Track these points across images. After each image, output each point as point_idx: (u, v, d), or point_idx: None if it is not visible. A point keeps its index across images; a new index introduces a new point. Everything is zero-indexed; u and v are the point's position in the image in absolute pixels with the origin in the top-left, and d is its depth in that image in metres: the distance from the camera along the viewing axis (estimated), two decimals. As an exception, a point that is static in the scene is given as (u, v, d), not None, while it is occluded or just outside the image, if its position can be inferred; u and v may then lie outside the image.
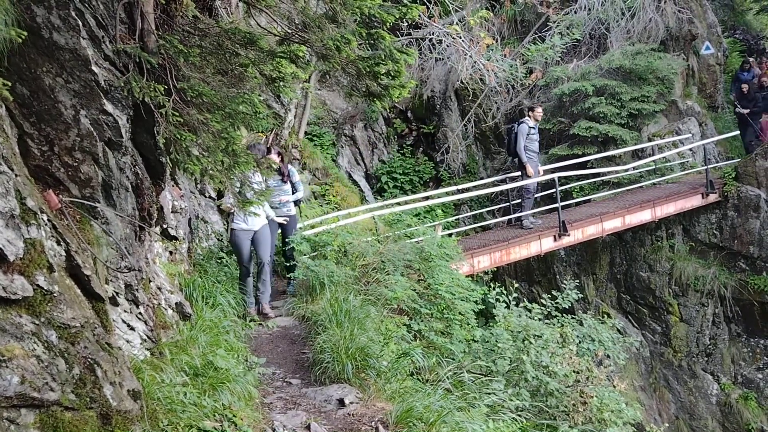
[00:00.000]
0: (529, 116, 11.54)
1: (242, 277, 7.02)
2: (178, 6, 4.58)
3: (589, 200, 13.33)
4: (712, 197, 12.70)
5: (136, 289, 4.21)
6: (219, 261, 7.02)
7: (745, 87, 14.02)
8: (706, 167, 12.77)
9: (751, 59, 15.76)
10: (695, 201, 12.66)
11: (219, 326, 5.26)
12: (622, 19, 14.72)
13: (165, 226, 5.77)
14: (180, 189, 6.42)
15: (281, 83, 4.63)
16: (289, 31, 4.35)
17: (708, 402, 12.49)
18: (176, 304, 5.19)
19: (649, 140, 13.80)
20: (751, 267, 12.56)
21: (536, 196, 13.36)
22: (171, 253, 6.08)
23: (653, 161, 13.47)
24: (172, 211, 5.89)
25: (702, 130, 14.43)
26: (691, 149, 13.93)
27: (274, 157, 7.67)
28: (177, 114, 3.51)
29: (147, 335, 4.45)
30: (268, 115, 10.22)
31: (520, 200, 12.10)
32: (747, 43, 20.64)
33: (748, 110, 13.97)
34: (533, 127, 11.49)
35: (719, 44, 15.61)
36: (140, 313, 4.40)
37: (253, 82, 4.83)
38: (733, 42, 19.26)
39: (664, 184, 13.41)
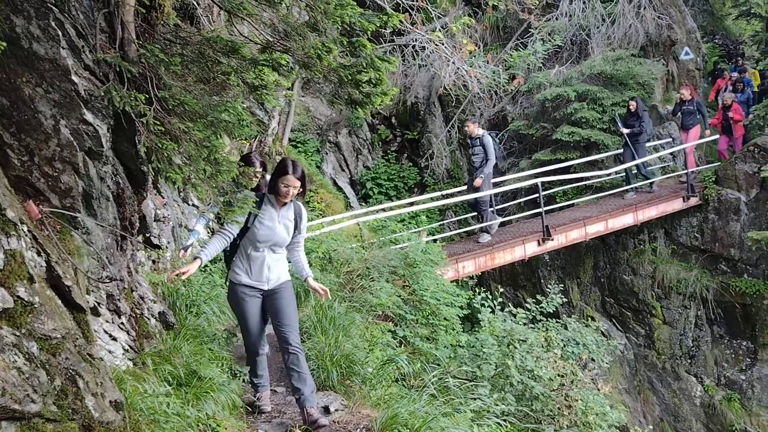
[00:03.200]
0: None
1: (248, 352, 4.76)
2: (159, 15, 4.58)
3: (572, 205, 13.44)
4: (693, 201, 12.87)
5: (118, 299, 4.19)
6: (203, 269, 6.98)
7: (632, 104, 12.82)
8: (686, 171, 12.93)
9: (740, 82, 15.14)
10: (676, 204, 12.81)
11: (203, 335, 5.24)
12: (602, 25, 14.90)
13: (148, 234, 5.74)
14: (163, 197, 6.39)
15: (264, 91, 4.63)
16: (271, 39, 4.35)
17: (692, 404, 12.61)
18: (159, 313, 5.16)
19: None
20: (732, 269, 12.72)
21: (520, 201, 13.47)
22: (154, 262, 6.05)
23: (635, 165, 13.59)
24: (154, 220, 5.86)
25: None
26: (671, 153, 14.09)
27: (258, 167, 7.49)
28: (158, 123, 3.51)
29: (129, 345, 4.42)
30: (252, 122, 10.21)
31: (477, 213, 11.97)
32: (726, 48, 20.96)
33: (630, 129, 12.78)
34: (472, 139, 11.41)
35: (698, 49, 15.84)
36: (122, 323, 4.37)
37: (236, 90, 4.83)
38: (712, 47, 19.58)
39: (646, 188, 13.55)
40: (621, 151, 13.75)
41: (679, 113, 13.53)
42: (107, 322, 4.20)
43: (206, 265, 7.17)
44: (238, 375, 4.87)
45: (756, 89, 15.57)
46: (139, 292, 5.03)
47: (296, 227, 4.65)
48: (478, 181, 11.24)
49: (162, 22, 4.63)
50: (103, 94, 3.53)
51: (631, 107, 12.86)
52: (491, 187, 11.58)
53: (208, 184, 3.63)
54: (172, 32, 4.59)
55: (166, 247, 6.11)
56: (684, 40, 15.34)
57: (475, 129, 11.33)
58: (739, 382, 12.38)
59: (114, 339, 4.26)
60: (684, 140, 13.63)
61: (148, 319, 5.01)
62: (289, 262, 4.88)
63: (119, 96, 3.48)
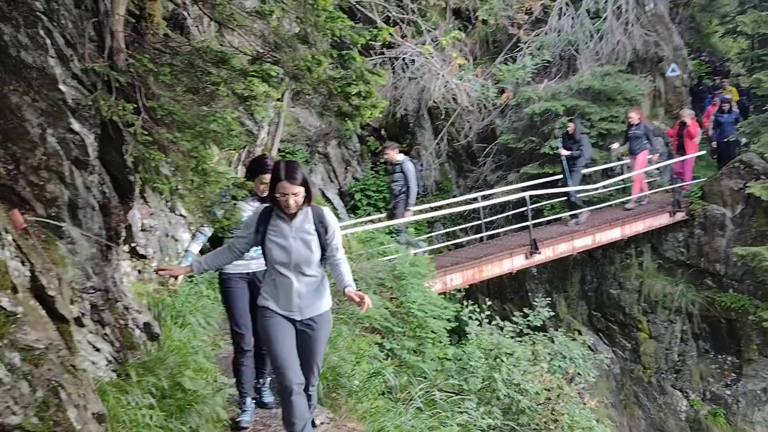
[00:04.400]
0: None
1: (281, 388, 3.95)
2: (148, 24, 4.58)
3: (559, 218, 13.49)
4: (679, 216, 12.96)
5: (103, 310, 4.15)
6: (189, 279, 6.93)
7: (570, 126, 12.37)
8: (673, 186, 13.03)
9: (727, 103, 14.68)
10: (663, 219, 12.90)
11: (188, 346, 5.19)
12: (591, 41, 15.04)
13: (134, 244, 5.71)
14: (150, 207, 6.35)
15: (253, 102, 4.64)
16: (261, 50, 4.36)
17: (677, 418, 12.64)
18: (144, 324, 5.11)
19: (618, 159, 14.03)
20: (718, 284, 12.80)
21: (508, 214, 13.51)
22: (140, 272, 6.00)
23: (622, 180, 13.69)
24: (141, 230, 5.83)
25: (669, 150, 14.73)
26: (658, 169, 14.20)
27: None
28: (146, 133, 3.50)
29: (113, 356, 4.37)
30: (241, 132, 10.18)
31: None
32: (712, 65, 21.23)
33: (569, 152, 12.35)
34: (392, 165, 11.02)
35: (685, 66, 16.03)
36: (106, 333, 4.33)
37: (225, 101, 4.83)
38: (698, 64, 19.80)
39: (648, 197, 13.62)
40: (611, 165, 13.89)
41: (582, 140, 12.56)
42: (91, 332, 4.16)
43: (192, 276, 7.13)
44: (222, 388, 4.82)
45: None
46: (124, 302, 4.99)
47: (321, 239, 3.80)
48: (407, 213, 10.78)
49: (152, 32, 4.64)
50: (90, 103, 3.52)
51: (569, 130, 12.40)
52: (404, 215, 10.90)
53: (195, 194, 3.62)
54: (162, 42, 4.59)
55: (153, 257, 6.07)
56: (671, 57, 15.52)
57: (395, 155, 10.94)
58: (725, 397, 12.43)
59: (97, 350, 4.22)
60: (632, 165, 13.19)
61: (133, 329, 4.96)
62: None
63: (107, 105, 3.47)
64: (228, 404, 4.80)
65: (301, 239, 3.76)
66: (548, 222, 13.21)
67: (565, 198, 12.83)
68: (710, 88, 16.28)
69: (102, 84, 3.76)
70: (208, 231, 4.80)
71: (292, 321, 3.87)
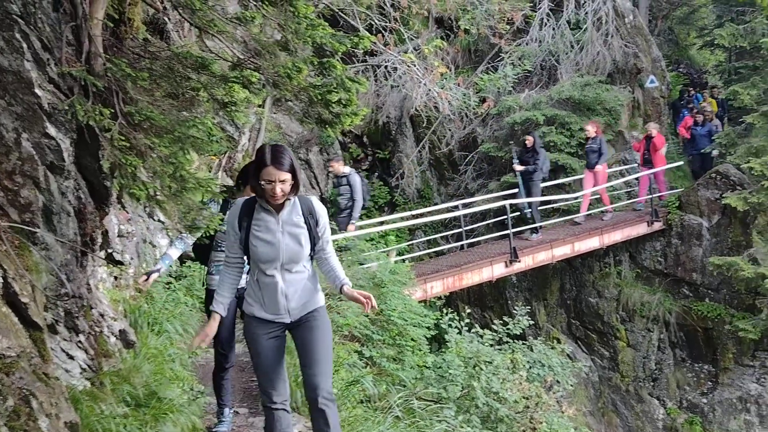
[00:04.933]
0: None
1: (264, 407, 3.55)
2: (128, 29, 4.54)
3: (540, 227, 13.56)
4: (657, 225, 13.11)
5: (77, 317, 4.08)
6: (167, 286, 6.86)
7: (529, 139, 12.23)
8: (651, 196, 13.18)
9: (701, 115, 14.76)
10: (641, 229, 13.03)
11: (164, 354, 5.13)
12: (571, 51, 15.20)
13: (110, 250, 5.63)
14: (127, 213, 6.28)
15: (233, 108, 4.61)
16: (242, 57, 4.34)
17: (654, 426, 12.73)
18: (120, 331, 5.05)
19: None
20: (695, 293, 12.96)
21: (488, 222, 13.56)
22: (116, 278, 5.93)
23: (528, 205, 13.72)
24: (118, 236, 5.76)
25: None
26: (636, 178, 14.36)
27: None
28: (123, 138, 3.46)
29: (87, 364, 4.31)
30: (222, 138, 10.13)
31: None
32: (690, 77, 21.53)
33: (524, 168, 12.26)
34: (338, 178, 10.86)
35: (663, 78, 16.23)
36: (80, 341, 4.27)
37: (205, 106, 4.80)
38: (676, 76, 20.08)
39: (612, 212, 13.76)
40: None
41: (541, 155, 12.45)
42: (65, 340, 4.10)
43: (170, 282, 7.07)
44: (199, 397, 4.77)
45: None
46: (99, 309, 4.92)
47: (311, 232, 3.45)
48: (351, 227, 10.52)
49: (131, 37, 4.60)
50: (67, 107, 3.48)
51: (527, 142, 12.28)
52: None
53: (173, 201, 3.58)
54: (141, 46, 4.55)
55: (130, 264, 6.00)
56: (649, 69, 15.72)
57: (341, 167, 10.85)
58: (701, 406, 12.56)
59: (71, 358, 4.16)
60: (585, 180, 12.94)
61: (108, 337, 4.90)
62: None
63: (83, 110, 3.43)
64: (204, 413, 4.75)
65: (289, 233, 3.39)
66: (529, 231, 13.26)
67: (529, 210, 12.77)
68: (688, 102, 16.48)
69: (79, 88, 3.72)
70: (191, 239, 4.61)
71: (283, 326, 3.49)
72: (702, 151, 14.26)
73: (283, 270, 3.41)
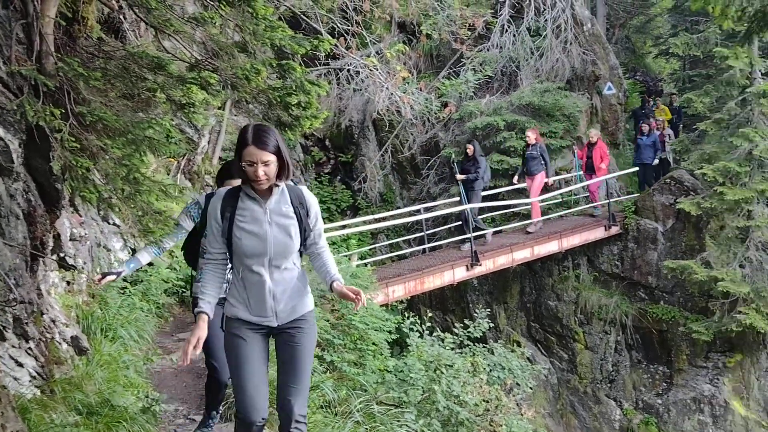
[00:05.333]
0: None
1: (238, 419, 3.20)
2: (81, 28, 4.43)
3: (500, 231, 13.71)
4: (614, 230, 13.36)
5: (26, 323, 3.96)
6: (121, 291, 6.70)
7: (470, 148, 11.99)
8: (608, 201, 13.43)
9: (646, 125, 14.85)
10: (598, 233, 13.26)
11: (118, 361, 5.01)
12: (531, 58, 15.42)
13: (62, 254, 5.48)
14: (80, 216, 6.12)
15: (191, 109, 4.53)
16: (200, 57, 4.28)
17: (611, 427, 12.96)
18: (72, 337, 4.92)
19: (557, 174, 14.38)
20: (650, 296, 13.25)
21: (450, 226, 13.64)
22: (68, 283, 5.77)
23: (560, 194, 14.02)
24: (70, 239, 5.60)
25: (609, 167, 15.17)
26: (583, 186, 14.62)
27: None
28: (74, 139, 3.36)
29: (37, 372, 4.18)
30: (181, 140, 9.98)
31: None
32: (646, 84, 22.06)
33: (465, 176, 11.95)
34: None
35: (620, 85, 16.59)
36: (30, 348, 4.14)
37: (163, 108, 4.71)
38: (633, 83, 20.56)
39: (570, 217, 13.98)
40: (553, 178, 14.16)
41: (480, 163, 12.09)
42: (13, 347, 3.97)
43: (125, 287, 6.91)
44: (153, 404, 4.66)
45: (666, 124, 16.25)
46: (51, 315, 4.79)
47: (302, 223, 3.16)
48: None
49: (84, 35, 4.48)
50: (15, 107, 3.37)
51: (468, 151, 12.05)
52: None
53: (126, 204, 3.49)
54: (95, 46, 4.45)
55: (83, 268, 5.84)
56: (607, 76, 16.04)
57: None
58: (656, 406, 12.82)
59: (20, 365, 4.03)
60: (528, 186, 12.76)
61: (60, 343, 4.77)
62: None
63: (33, 110, 3.33)
64: (159, 421, 4.64)
65: (277, 224, 3.09)
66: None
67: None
68: (648, 111, 16.82)
69: (29, 88, 3.61)
70: (169, 244, 4.30)
71: (268, 330, 3.18)
72: (645, 162, 14.43)
73: (271, 267, 3.10)
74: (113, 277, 4.39)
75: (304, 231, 3.19)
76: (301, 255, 3.25)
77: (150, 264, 7.79)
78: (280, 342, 3.21)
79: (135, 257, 4.37)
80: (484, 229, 12.34)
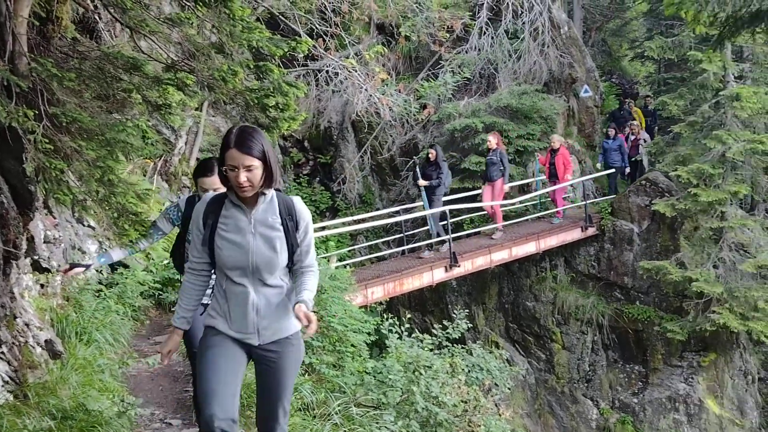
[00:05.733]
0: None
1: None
2: (55, 27, 4.37)
3: (478, 232, 13.78)
4: (591, 231, 13.50)
5: (-2, 327, 3.90)
6: (96, 294, 6.62)
7: (432, 153, 11.54)
8: (585, 202, 13.56)
9: (612, 129, 15.06)
10: (575, 234, 13.39)
11: (93, 365, 4.95)
12: (509, 60, 15.53)
13: (36, 257, 5.41)
14: (54, 218, 6.03)
15: (168, 110, 4.50)
16: (176, 58, 4.25)
17: (588, 426, 13.08)
18: (46, 341, 4.85)
19: (534, 176, 14.49)
20: (626, 297, 13.41)
21: (429, 227, 13.66)
22: (42, 286, 5.69)
23: (538, 196, 14.13)
24: (44, 242, 5.52)
25: (581, 168, 15.36)
26: (571, 185, 14.76)
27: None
28: (48, 141, 3.32)
29: (10, 376, 4.12)
30: (157, 141, 9.89)
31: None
32: (622, 87, 22.33)
33: (428, 182, 11.45)
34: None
35: (597, 88, 16.78)
36: (3, 352, 4.08)
37: (138, 109, 4.67)
38: (609, 86, 20.78)
39: (548, 218, 14.10)
40: (527, 181, 14.26)
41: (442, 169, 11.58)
42: (-15, 351, 3.91)
43: (100, 290, 6.83)
44: (129, 409, 4.61)
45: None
46: (24, 318, 4.72)
47: (289, 236, 2.92)
48: None
49: (59, 36, 4.42)
50: (-13, 108, 3.31)
51: (430, 156, 11.56)
52: None
53: (101, 206, 3.45)
54: (70, 46, 4.39)
55: (57, 270, 5.76)
56: (584, 79, 16.22)
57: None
58: (632, 405, 12.98)
59: (-8, 370, 3.97)
60: (484, 193, 12.39)
61: (33, 347, 4.70)
62: None
63: (6, 111, 3.27)
64: (135, 426, 4.59)
65: (261, 235, 2.88)
66: (468, 236, 13.45)
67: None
68: (629, 113, 17.02)
69: (1, 89, 3.55)
70: (144, 244, 4.15)
71: (248, 347, 2.91)
72: (613, 165, 14.48)
73: (254, 279, 2.88)
74: (81, 269, 4.31)
75: (292, 246, 2.93)
76: (290, 271, 3.01)
77: (126, 266, 7.72)
78: (262, 365, 2.95)
79: (107, 252, 4.24)
80: (443, 236, 11.84)
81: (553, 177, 13.21)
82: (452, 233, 11.78)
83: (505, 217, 13.94)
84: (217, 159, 2.94)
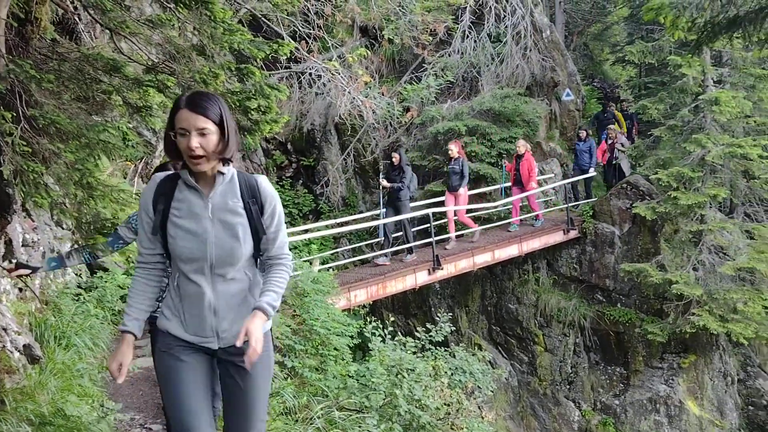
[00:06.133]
0: None
1: None
2: (34, 29, 4.32)
3: (461, 235, 13.81)
4: (573, 233, 13.59)
5: (-26, 332, 3.84)
6: (75, 298, 6.54)
7: (395, 157, 11.27)
8: (566, 205, 13.65)
9: (583, 131, 14.96)
10: (557, 237, 13.47)
11: (72, 369, 4.89)
12: (492, 64, 15.60)
13: (14, 260, 5.33)
14: (33, 221, 5.96)
15: (148, 112, 4.46)
16: (156, 60, 4.21)
17: (570, 428, 13.16)
18: (24, 346, 4.78)
19: (501, 181, 14.49)
20: (607, 299, 13.51)
21: (413, 230, 13.68)
22: (20, 290, 5.61)
23: (520, 198, 14.17)
24: (22, 245, 5.45)
25: (563, 171, 15.47)
26: (553, 188, 14.86)
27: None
28: (26, 143, 3.28)
29: (-14, 382, 4.06)
30: (138, 143, 9.79)
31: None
32: (604, 90, 22.53)
33: (391, 185, 11.16)
34: None
35: (578, 91, 16.91)
36: (-21, 357, 4.02)
37: (119, 110, 4.62)
38: (591, 90, 20.97)
39: (530, 221, 14.17)
40: (507, 185, 14.31)
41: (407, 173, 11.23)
42: (-40, 357, 3.84)
43: (80, 293, 6.75)
44: (108, 414, 4.56)
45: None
46: (2, 323, 4.66)
47: (253, 222, 2.56)
48: None
49: (38, 37, 4.37)
50: (-37, 109, 3.26)
51: (394, 160, 11.25)
52: None
53: (79, 209, 3.41)
54: (49, 47, 4.34)
55: (36, 274, 5.68)
56: (565, 82, 16.34)
57: None
58: (614, 407, 13.07)
59: (-32, 376, 3.91)
60: (447, 202, 12.27)
61: (11, 352, 4.63)
62: None
63: (-18, 112, 3.23)
64: (115, 431, 4.54)
65: (221, 221, 2.51)
66: (444, 239, 13.47)
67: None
68: (612, 116, 17.14)
69: (-22, 90, 3.50)
70: (101, 254, 3.93)
71: (209, 353, 2.59)
72: (582, 167, 14.40)
73: (213, 275, 2.52)
74: (27, 271, 4.10)
75: (257, 233, 2.57)
76: (257, 263, 2.67)
77: (105, 270, 7.64)
78: (226, 373, 2.61)
79: (60, 257, 3.99)
80: (411, 244, 11.66)
81: (519, 183, 12.97)
82: (435, 236, 11.80)
83: (487, 221, 14.01)
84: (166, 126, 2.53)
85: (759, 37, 6.47)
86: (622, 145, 14.92)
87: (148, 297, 2.64)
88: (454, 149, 12.06)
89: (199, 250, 2.49)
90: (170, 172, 2.64)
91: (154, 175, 2.69)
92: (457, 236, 12.93)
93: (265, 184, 2.62)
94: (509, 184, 13.46)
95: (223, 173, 2.54)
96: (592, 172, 14.55)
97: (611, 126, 15.55)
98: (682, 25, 7.04)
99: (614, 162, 14.92)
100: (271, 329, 2.70)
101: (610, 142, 15.02)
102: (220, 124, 2.44)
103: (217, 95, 2.58)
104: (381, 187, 11.43)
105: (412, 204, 11.91)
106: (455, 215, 12.50)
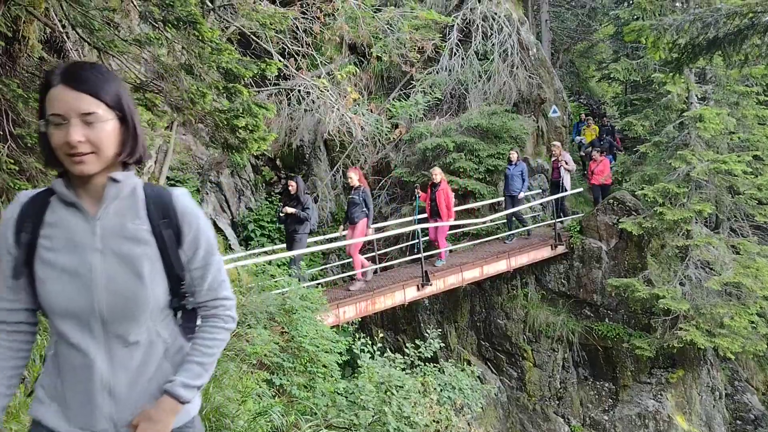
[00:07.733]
0: None
1: None
2: (22, 47, 4.33)
3: (450, 251, 13.84)
4: (560, 249, 13.66)
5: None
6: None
7: (292, 185, 9.99)
8: (554, 221, 13.73)
9: (514, 153, 13.48)
10: (545, 252, 13.53)
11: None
12: (479, 81, 15.76)
13: None
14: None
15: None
16: (144, 79, 4.23)
17: (560, 444, 13.14)
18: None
19: (414, 213, 14.44)
20: (595, 314, 13.56)
21: (402, 246, 13.72)
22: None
23: (418, 235, 13.84)
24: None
25: (548, 187, 15.56)
26: (541, 204, 14.95)
27: None
28: (13, 161, 3.28)
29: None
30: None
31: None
32: (590, 107, 22.79)
33: (294, 210, 9.83)
34: None
35: (565, 108, 17.09)
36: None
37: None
38: (577, 106, 21.22)
39: (518, 236, 14.23)
40: (498, 200, 14.36)
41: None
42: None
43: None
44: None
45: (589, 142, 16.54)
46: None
47: (166, 253, 1.74)
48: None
49: (25, 55, 4.38)
50: (-51, 128, 3.26)
51: (290, 189, 9.90)
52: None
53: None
54: (36, 65, 4.35)
55: None
56: (552, 99, 16.51)
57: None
58: (603, 423, 13.07)
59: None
60: (348, 236, 10.63)
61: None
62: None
63: (-32, 131, 3.23)
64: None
65: (115, 253, 1.69)
66: (439, 254, 13.50)
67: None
68: (581, 125, 17.20)
69: (-36, 108, 3.51)
70: None
71: None
72: (512, 193, 12.97)
73: (107, 337, 1.70)
74: None
75: (173, 270, 1.75)
76: (176, 313, 1.85)
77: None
78: None
79: None
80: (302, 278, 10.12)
81: (435, 215, 11.74)
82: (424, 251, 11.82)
83: (476, 235, 14.05)
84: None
85: (739, 57, 6.59)
86: (566, 163, 14.31)
87: (10, 370, 1.76)
88: (354, 177, 10.31)
89: (81, 298, 1.65)
90: (43, 189, 1.77)
91: (19, 193, 1.81)
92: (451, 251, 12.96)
93: (183, 200, 1.80)
94: (424, 215, 12.36)
95: (117, 180, 1.70)
96: (522, 196, 13.15)
97: (555, 143, 15.02)
98: (662, 46, 7.16)
99: (559, 181, 14.03)
100: (199, 413, 1.88)
101: (553, 159, 14.25)
102: (119, 109, 1.67)
103: (110, 70, 1.76)
104: (278, 217, 10.06)
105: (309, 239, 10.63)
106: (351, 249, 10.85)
